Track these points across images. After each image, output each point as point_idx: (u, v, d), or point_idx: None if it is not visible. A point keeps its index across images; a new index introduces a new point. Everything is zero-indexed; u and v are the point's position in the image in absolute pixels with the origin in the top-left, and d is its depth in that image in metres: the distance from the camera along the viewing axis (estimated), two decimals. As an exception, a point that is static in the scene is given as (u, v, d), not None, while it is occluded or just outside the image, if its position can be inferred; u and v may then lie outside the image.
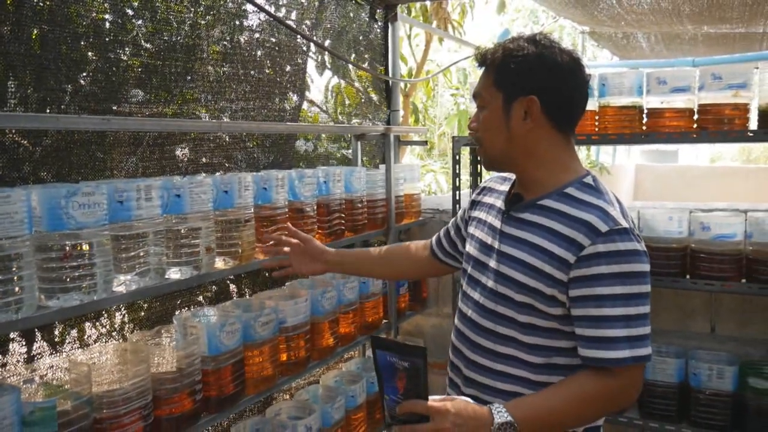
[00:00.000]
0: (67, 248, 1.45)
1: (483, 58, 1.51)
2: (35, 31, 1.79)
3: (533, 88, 1.42)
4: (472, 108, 1.60)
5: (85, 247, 1.49)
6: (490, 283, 1.50)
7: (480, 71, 1.55)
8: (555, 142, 1.47)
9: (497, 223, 1.54)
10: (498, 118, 1.46)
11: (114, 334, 2.15)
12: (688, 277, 2.46)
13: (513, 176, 1.60)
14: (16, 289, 1.37)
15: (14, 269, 1.36)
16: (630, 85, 2.48)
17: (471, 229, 1.67)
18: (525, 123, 1.44)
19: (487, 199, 1.66)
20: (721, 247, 2.37)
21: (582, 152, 7.61)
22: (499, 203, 1.58)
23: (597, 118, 2.57)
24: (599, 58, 8.41)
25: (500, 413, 1.32)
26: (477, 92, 1.53)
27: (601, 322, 1.34)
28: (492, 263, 1.51)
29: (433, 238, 1.90)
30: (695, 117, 2.41)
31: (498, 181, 1.68)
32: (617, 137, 2.54)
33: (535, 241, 1.43)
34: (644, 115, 2.50)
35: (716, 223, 2.37)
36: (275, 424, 2.30)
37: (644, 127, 2.49)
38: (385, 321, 2.93)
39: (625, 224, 1.37)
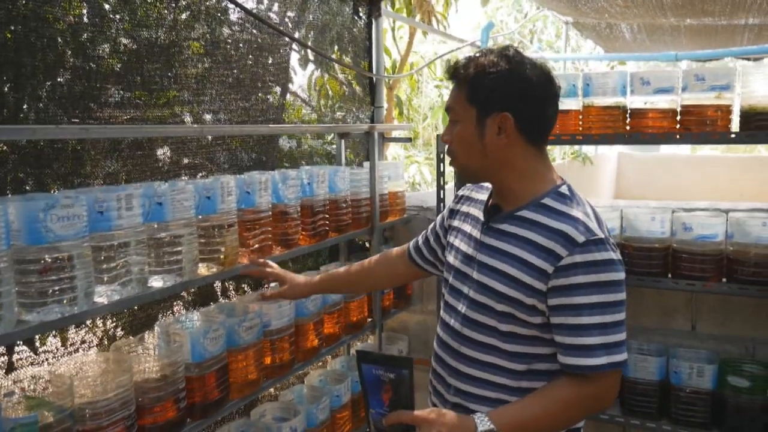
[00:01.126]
0: (47, 262, 1.43)
1: (454, 73, 1.51)
2: (12, 28, 1.75)
3: (506, 105, 1.43)
4: None
5: (65, 260, 1.46)
6: (472, 293, 1.52)
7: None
8: (529, 155, 1.49)
9: (477, 234, 1.56)
10: (471, 133, 1.48)
11: (96, 339, 2.13)
12: (669, 276, 2.49)
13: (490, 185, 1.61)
14: (-6, 305, 1.34)
15: (-8, 285, 1.34)
16: (614, 85, 2.49)
17: (451, 239, 1.68)
18: (499, 138, 1.46)
19: (466, 209, 1.68)
20: (702, 247, 2.40)
21: (565, 142, 7.60)
22: (479, 213, 1.60)
23: (581, 117, 2.58)
24: (583, 48, 8.41)
25: (483, 422, 1.37)
26: (450, 106, 1.53)
27: (579, 330, 1.38)
28: (473, 274, 1.53)
29: (411, 245, 1.91)
30: (678, 118, 2.42)
31: (476, 190, 1.69)
32: (600, 137, 2.55)
33: (515, 252, 1.45)
34: (628, 116, 2.51)
35: (698, 224, 2.40)
36: (260, 427, 2.30)
37: (628, 127, 2.50)
38: (369, 319, 2.93)
39: (600, 234, 1.40)
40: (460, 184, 2.85)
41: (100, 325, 2.14)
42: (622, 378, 2.22)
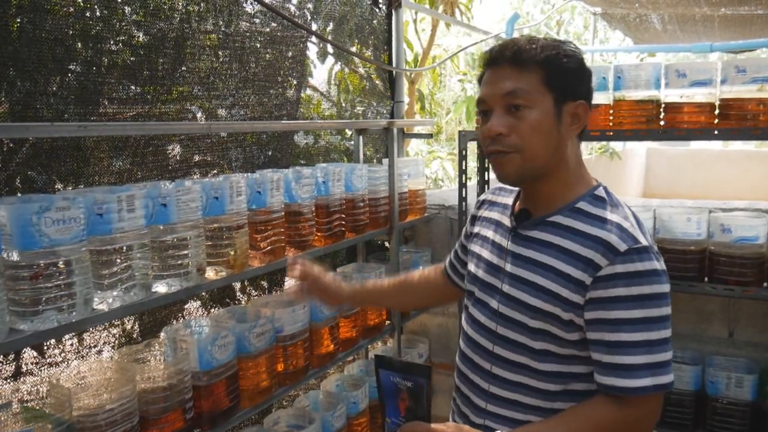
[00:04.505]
0: (40, 268, 1.34)
1: (518, 53, 1.30)
2: (17, 21, 1.67)
3: (582, 93, 1.34)
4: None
5: (61, 265, 1.38)
6: (501, 308, 1.39)
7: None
8: (576, 148, 1.39)
9: (504, 242, 1.42)
10: (550, 122, 1.30)
11: (100, 345, 2.06)
12: (706, 280, 2.35)
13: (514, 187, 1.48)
14: (-16, 314, 1.27)
15: (-18, 293, 1.26)
16: (647, 77, 2.34)
17: (474, 248, 1.54)
18: (572, 129, 1.34)
19: (489, 214, 1.54)
20: (741, 250, 2.25)
21: (593, 137, 7.41)
22: (503, 218, 1.47)
23: (612, 112, 2.44)
24: (611, 40, 8.19)
25: None
26: (518, 88, 1.28)
27: (618, 348, 1.25)
28: (501, 286, 1.40)
29: (446, 262, 1.75)
30: (716, 112, 2.28)
31: (498, 193, 1.55)
32: (633, 133, 2.40)
33: (548, 262, 1.31)
34: (662, 110, 2.36)
35: (738, 225, 2.25)
36: (273, 435, 2.22)
37: (662, 122, 2.36)
38: (388, 322, 2.83)
39: (644, 242, 1.26)
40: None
41: (106, 327, 2.06)
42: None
